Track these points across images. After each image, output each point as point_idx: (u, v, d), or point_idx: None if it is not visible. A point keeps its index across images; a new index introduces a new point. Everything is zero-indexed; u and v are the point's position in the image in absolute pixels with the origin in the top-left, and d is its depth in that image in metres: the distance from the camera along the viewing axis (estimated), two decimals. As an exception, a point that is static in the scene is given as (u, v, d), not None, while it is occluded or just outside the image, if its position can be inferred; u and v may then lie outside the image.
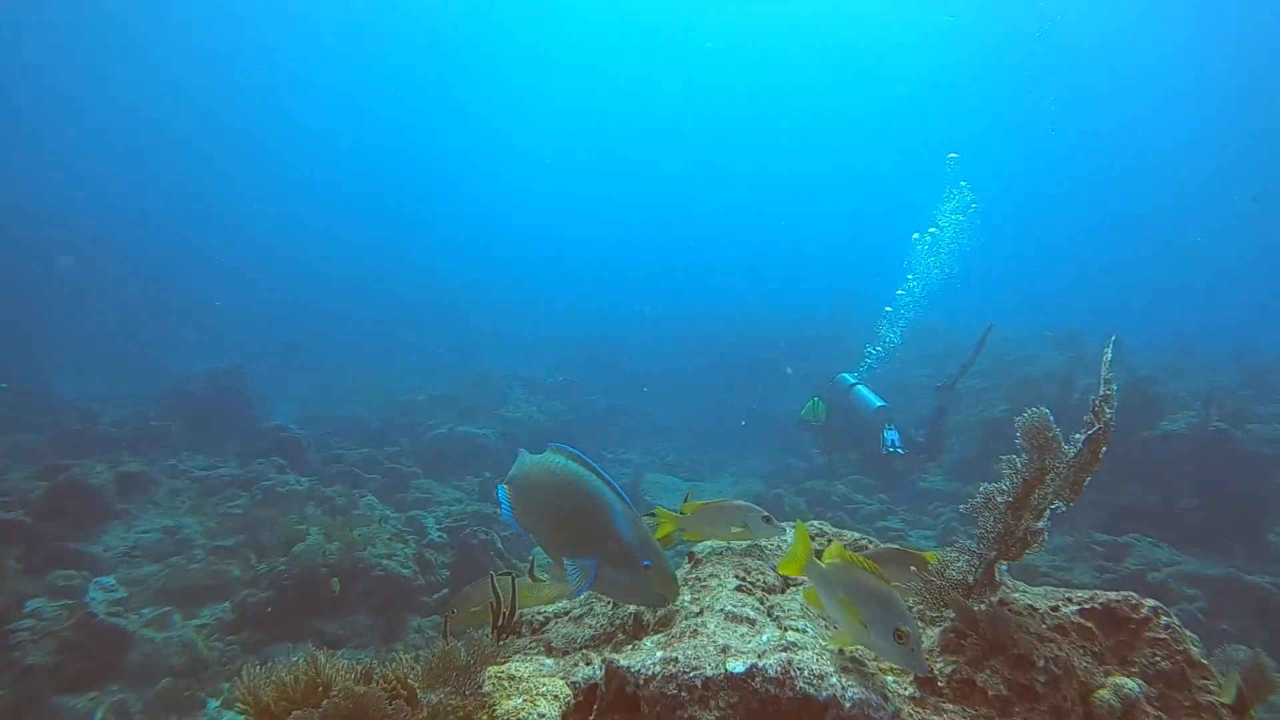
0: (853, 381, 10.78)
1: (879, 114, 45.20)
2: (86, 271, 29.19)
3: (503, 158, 54.19)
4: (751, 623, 1.91)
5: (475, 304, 28.97)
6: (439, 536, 8.81)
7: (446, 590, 7.65)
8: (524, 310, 29.13)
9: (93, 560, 8.21)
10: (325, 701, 1.60)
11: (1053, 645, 1.73)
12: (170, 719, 5.81)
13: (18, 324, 22.94)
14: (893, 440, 10.01)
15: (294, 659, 1.75)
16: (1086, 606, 1.98)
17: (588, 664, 1.99)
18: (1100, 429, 1.83)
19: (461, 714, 1.68)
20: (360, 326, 26.71)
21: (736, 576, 2.34)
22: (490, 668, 1.88)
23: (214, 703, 6.08)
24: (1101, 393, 1.90)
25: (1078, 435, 1.90)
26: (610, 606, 2.56)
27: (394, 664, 1.77)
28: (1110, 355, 2.01)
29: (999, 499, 1.95)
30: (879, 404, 10.24)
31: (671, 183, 54.63)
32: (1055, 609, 1.94)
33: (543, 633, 2.63)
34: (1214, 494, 9.06)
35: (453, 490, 11.26)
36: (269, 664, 1.85)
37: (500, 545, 8.22)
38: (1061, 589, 2.15)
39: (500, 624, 2.47)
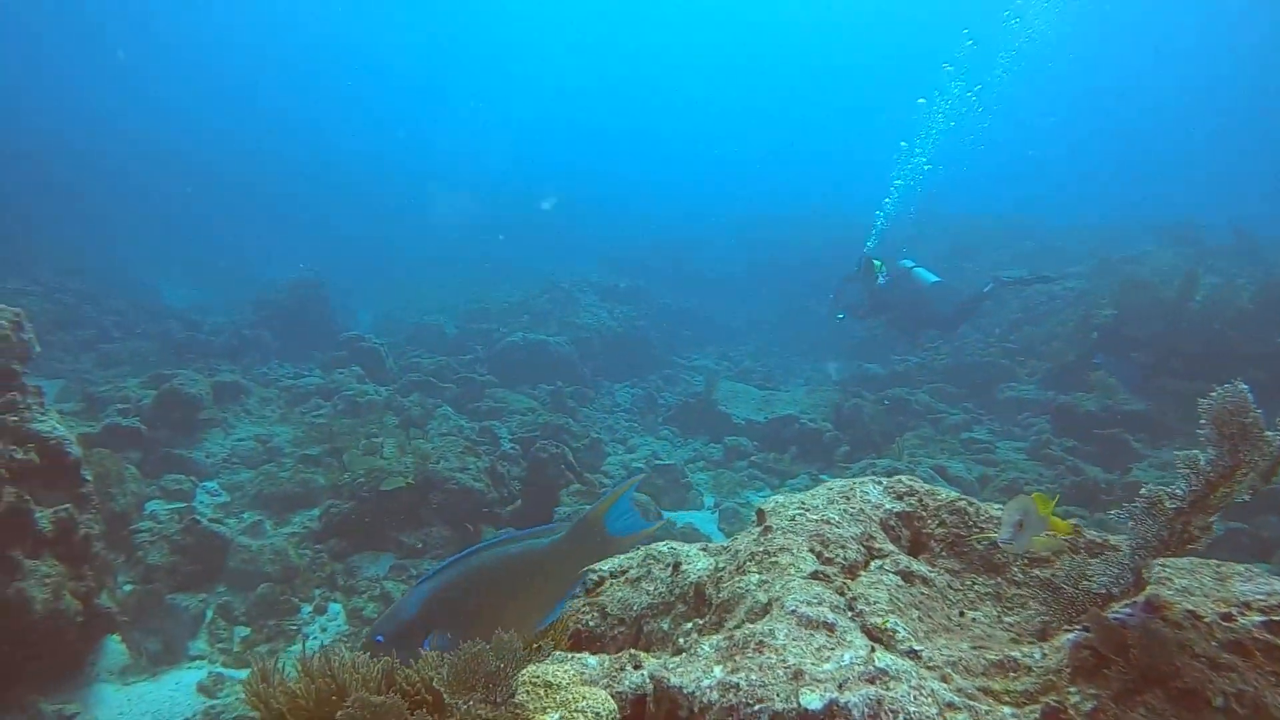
0: (910, 265, 11.40)
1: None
2: (191, 190, 30.34)
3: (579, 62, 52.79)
4: (830, 628, 1.60)
5: (547, 211, 28.61)
6: (511, 448, 8.88)
7: (520, 503, 7.72)
8: (594, 216, 28.70)
9: (196, 466, 8.64)
10: (339, 712, 1.45)
11: (1232, 675, 1.38)
12: (269, 622, 6.09)
13: (133, 238, 23.91)
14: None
15: (310, 654, 1.59)
16: (1276, 618, 1.43)
17: (636, 668, 1.74)
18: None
19: (494, 723, 1.51)
20: (437, 234, 26.82)
21: (812, 551, 2.01)
22: (525, 669, 1.67)
23: (307, 608, 6.38)
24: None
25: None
26: (669, 572, 2.31)
27: (419, 664, 1.59)
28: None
29: (1168, 504, 1.59)
30: (934, 279, 11.11)
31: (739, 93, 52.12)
32: (1227, 617, 1.50)
33: (597, 594, 2.41)
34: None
35: (525, 399, 11.32)
36: (276, 659, 1.68)
37: (571, 458, 8.19)
38: (1218, 570, 1.73)
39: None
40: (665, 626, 2.14)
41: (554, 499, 7.37)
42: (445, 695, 1.47)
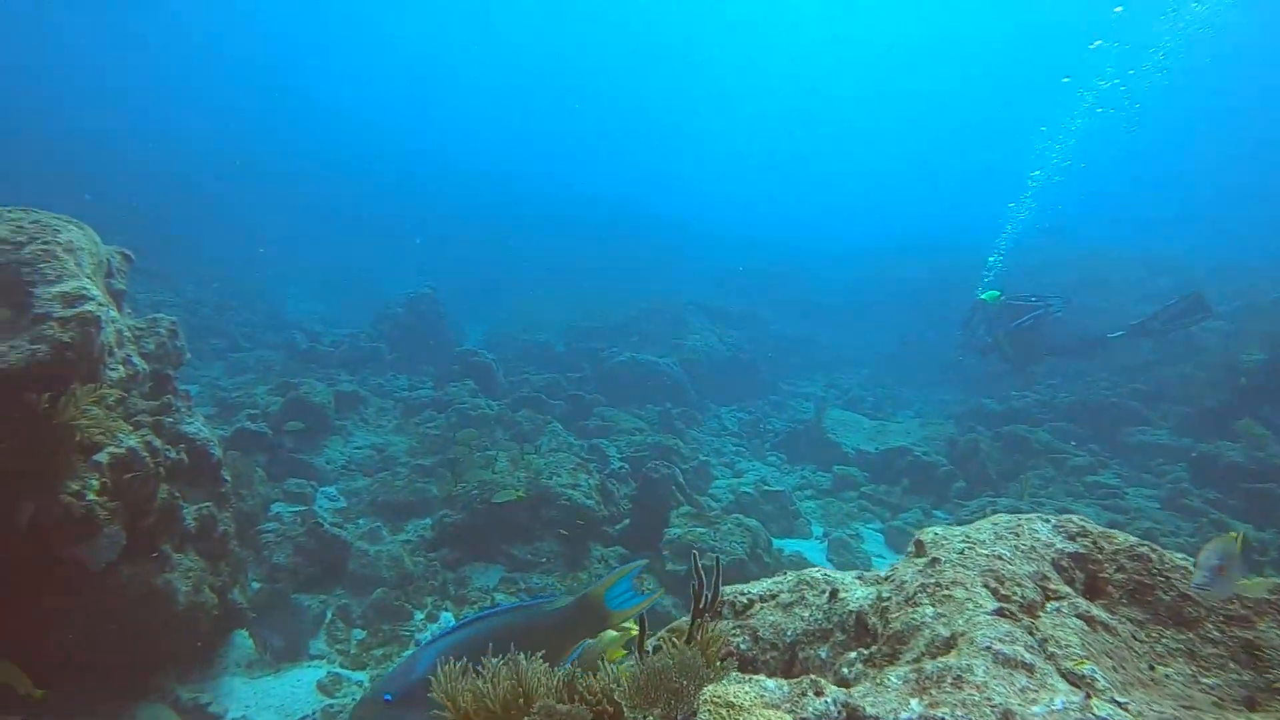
0: (1026, 296, 11.52)
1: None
2: (315, 207, 32.44)
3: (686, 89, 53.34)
4: (1029, 669, 1.53)
5: (657, 231, 28.95)
6: (620, 466, 8.90)
7: (628, 522, 7.73)
8: (706, 238, 28.81)
9: (317, 471, 9.04)
10: (525, 718, 1.49)
11: None
12: (384, 626, 6.27)
13: (265, 253, 25.58)
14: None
15: (496, 662, 1.60)
16: None
17: (818, 694, 1.69)
18: None
19: (676, 742, 1.50)
20: (546, 254, 27.48)
21: (987, 587, 1.93)
22: (706, 688, 1.65)
23: (420, 614, 6.53)
24: None
25: None
26: (825, 599, 2.25)
27: (599, 676, 1.60)
28: None
29: None
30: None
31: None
32: None
33: (747, 618, 2.39)
34: None
35: (633, 419, 11.36)
36: (465, 665, 1.70)
37: (681, 480, 8.15)
38: None
39: (700, 605, 2.25)
40: (823, 654, 2.08)
41: (663, 520, 7.33)
42: (625, 708, 1.46)
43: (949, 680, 1.52)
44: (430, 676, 1.74)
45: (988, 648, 1.60)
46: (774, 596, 2.36)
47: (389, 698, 1.83)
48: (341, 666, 5.82)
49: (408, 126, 53.74)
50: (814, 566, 2.49)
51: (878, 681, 1.61)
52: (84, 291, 3.49)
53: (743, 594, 2.42)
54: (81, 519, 3.71)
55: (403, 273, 22.95)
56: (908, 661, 1.72)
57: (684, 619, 2.49)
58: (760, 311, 18.65)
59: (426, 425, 10.34)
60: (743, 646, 2.29)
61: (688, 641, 2.20)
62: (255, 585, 6.35)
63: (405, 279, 20.33)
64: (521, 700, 1.53)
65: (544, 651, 1.85)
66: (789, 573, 2.38)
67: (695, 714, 1.56)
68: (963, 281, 15.28)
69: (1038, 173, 15.36)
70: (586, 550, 7.25)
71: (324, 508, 8.39)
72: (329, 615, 6.35)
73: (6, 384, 3.23)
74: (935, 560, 2.10)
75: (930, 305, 17.42)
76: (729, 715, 1.58)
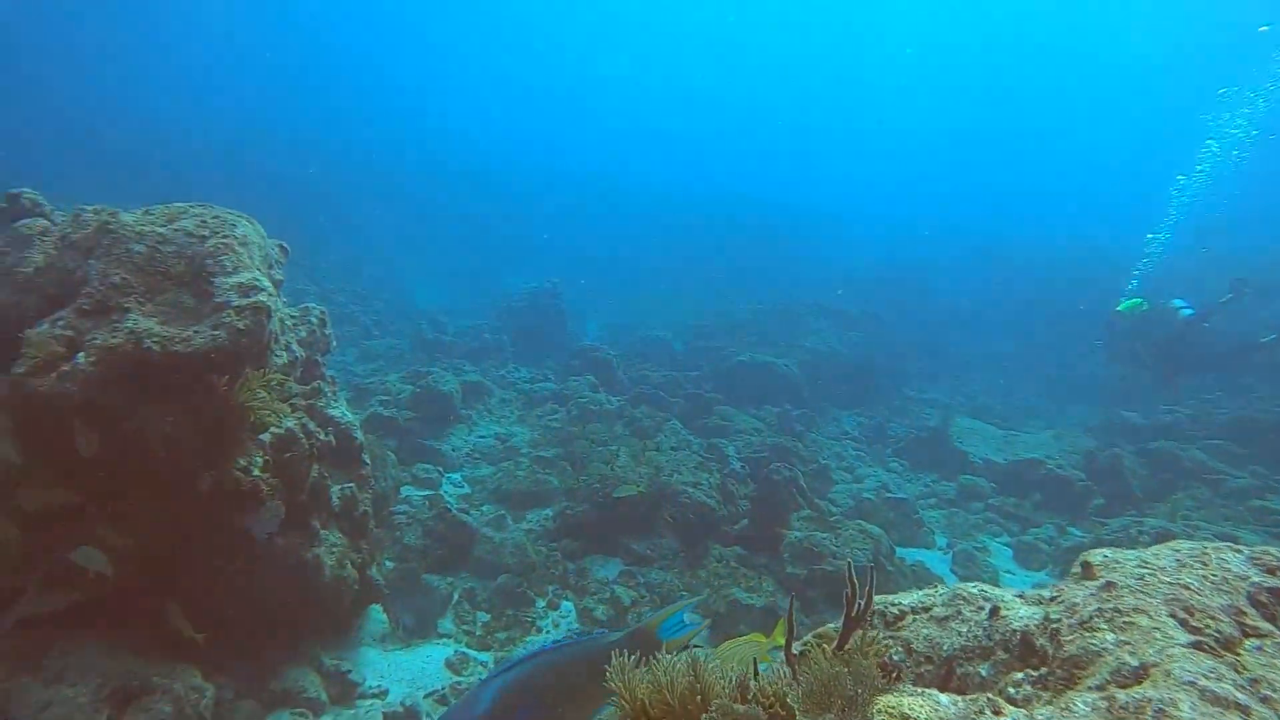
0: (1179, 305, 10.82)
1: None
2: (438, 205, 34.01)
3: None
4: (1245, 712, 1.41)
5: (776, 231, 28.61)
6: (740, 467, 8.83)
7: (746, 523, 7.66)
8: (828, 239, 28.26)
9: (443, 458, 9.42)
10: (704, 717, 1.53)
11: None
12: (507, 611, 6.47)
13: (394, 246, 26.91)
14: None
15: (673, 659, 1.63)
16: None
17: (997, 714, 1.63)
18: None
19: (849, 750, 1.50)
20: (663, 252, 27.64)
21: (1174, 617, 1.79)
22: (880, 699, 1.63)
23: (541, 602, 6.69)
24: None
25: None
26: (986, 616, 2.16)
27: (771, 679, 1.60)
28: None
29: None
30: (1190, 314, 10.53)
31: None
32: None
33: (899, 629, 2.33)
34: None
35: (751, 419, 11.27)
36: (644, 660, 1.74)
37: (803, 483, 8.01)
38: None
39: (853, 613, 2.21)
40: (984, 672, 2.02)
41: (783, 522, 7.24)
42: (797, 712, 1.46)
43: (1150, 712, 1.43)
44: (494, 710, 1.81)
45: (1191, 683, 1.50)
46: (927, 609, 2.30)
47: None
48: (468, 646, 6.04)
49: (530, 127, 55.34)
50: (968, 582, 2.42)
51: (1063, 707, 1.55)
52: (257, 282, 3.76)
53: (894, 604, 2.37)
54: (249, 492, 4.01)
55: (521, 267, 23.61)
56: (1092, 688, 1.64)
57: (830, 625, 2.45)
58: (882, 313, 18.11)
59: (548, 418, 10.60)
60: (895, 657, 2.25)
61: (838, 649, 2.18)
62: (389, 564, 6.69)
63: (524, 273, 20.94)
64: (699, 698, 1.54)
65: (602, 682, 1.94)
66: (940, 586, 2.34)
67: None
68: (1104, 287, 14.38)
69: (1212, 142, 14.16)
70: (705, 549, 7.24)
71: (449, 493, 8.73)
72: (456, 597, 6.60)
73: (191, 366, 3.52)
74: (1110, 584, 1.99)
75: (1064, 311, 16.51)
76: None
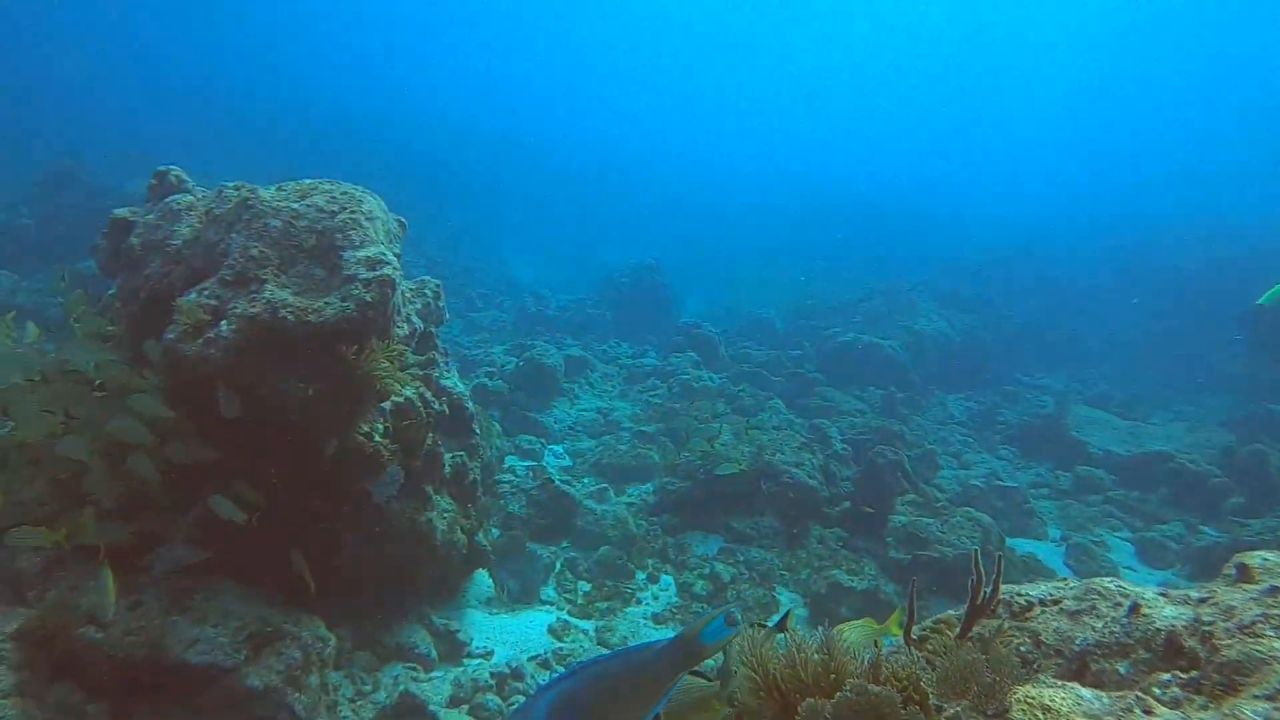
0: None
1: None
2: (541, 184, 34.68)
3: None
4: None
5: (882, 211, 27.67)
6: (842, 448, 8.67)
7: (848, 505, 7.52)
8: (937, 219, 27.14)
9: (545, 430, 9.62)
10: (838, 695, 1.52)
11: None
12: (608, 582, 6.58)
13: (492, 220, 27.55)
14: None
15: (803, 637, 1.64)
16: None
17: (1148, 714, 1.55)
18: None
19: (986, 736, 1.47)
20: (765, 232, 27.25)
21: None
22: (1019, 689, 1.58)
23: (641, 575, 6.78)
24: None
25: None
26: (1125, 613, 2.06)
27: (904, 663, 1.58)
28: None
29: None
30: None
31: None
32: None
33: (1026, 619, 2.26)
34: None
35: (854, 400, 11.02)
36: (759, 632, 1.74)
37: (908, 468, 7.78)
38: None
39: (978, 601, 2.15)
40: (1122, 670, 1.96)
41: (887, 505, 7.06)
42: (932, 696, 1.43)
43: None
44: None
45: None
46: (1056, 601, 2.23)
47: None
48: (570, 614, 6.19)
49: (631, 108, 55.53)
50: (1102, 576, 2.35)
51: (1227, 713, 1.50)
52: (383, 256, 3.91)
53: (1020, 595, 2.31)
54: (371, 457, 4.20)
55: (619, 244, 23.72)
56: (1260, 697, 1.57)
57: (950, 613, 2.39)
58: (994, 296, 17.30)
59: (650, 393, 10.66)
60: (1022, 649, 2.19)
61: (960, 637, 2.12)
62: (495, 531, 6.91)
63: (621, 250, 21.01)
64: (832, 676, 1.55)
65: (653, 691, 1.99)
66: (1072, 579, 2.27)
67: (1007, 712, 1.50)
68: (1243, 269, 13.30)
69: None
70: (806, 529, 7.17)
71: (550, 465, 8.92)
72: (558, 566, 6.76)
73: (321, 336, 3.70)
74: (1277, 590, 1.87)
75: (1196, 297, 15.37)
76: (1044, 718, 1.50)
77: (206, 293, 3.82)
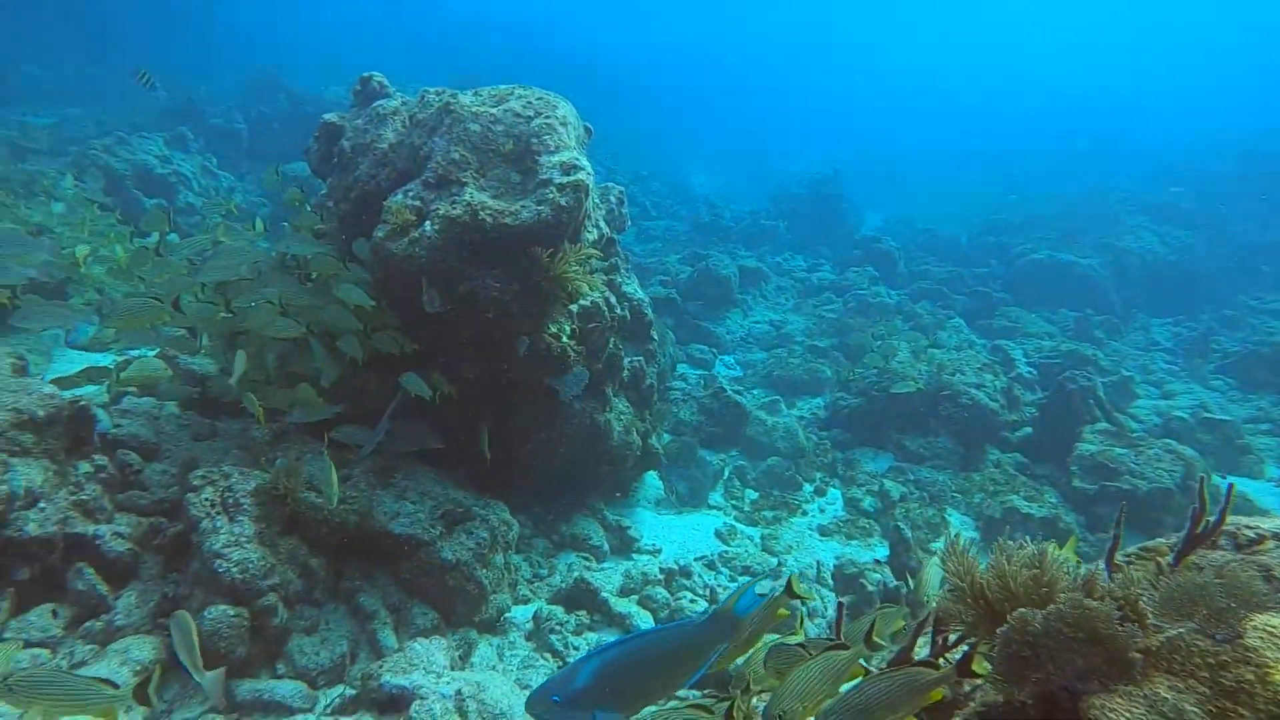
0: None
1: None
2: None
3: None
4: None
5: (1090, 115, 24.74)
6: (1028, 372, 8.11)
7: (1031, 430, 7.06)
8: (1150, 121, 23.92)
9: (717, 340, 9.65)
10: (1051, 606, 1.47)
11: None
12: (774, 492, 6.63)
13: (670, 131, 27.28)
14: None
15: (1013, 544, 1.63)
16: None
17: None
18: None
19: (1212, 660, 1.41)
20: (953, 142, 25.21)
21: None
22: (1258, 616, 1.46)
23: (809, 487, 6.77)
24: None
25: None
26: None
27: (1122, 582, 1.50)
28: None
29: None
30: None
31: None
32: None
33: (1254, 553, 2.11)
34: None
35: (1043, 323, 10.22)
36: (962, 540, 1.71)
37: (1102, 394, 7.14)
38: None
39: (1198, 529, 1.99)
40: None
41: (1073, 434, 6.59)
42: (1150, 616, 1.40)
43: None
44: (592, 685, 2.06)
45: None
46: None
47: (556, 699, 2.07)
48: (736, 520, 6.32)
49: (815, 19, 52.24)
50: None
51: None
52: (576, 161, 3.97)
53: (1249, 527, 2.14)
54: (559, 356, 4.39)
55: (794, 155, 22.77)
56: None
57: (1160, 540, 2.24)
58: (1218, 210, 15.10)
59: (824, 308, 10.40)
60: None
61: (1175, 564, 1.97)
62: (666, 436, 7.10)
63: (796, 161, 20.14)
64: (1044, 589, 1.52)
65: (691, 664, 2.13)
66: None
67: (1241, 636, 1.38)
68: None
69: None
70: (983, 453, 6.86)
71: (721, 375, 8.97)
72: (726, 473, 6.88)
73: (518, 237, 3.85)
74: None
75: None
76: None
77: (411, 194, 4.06)
